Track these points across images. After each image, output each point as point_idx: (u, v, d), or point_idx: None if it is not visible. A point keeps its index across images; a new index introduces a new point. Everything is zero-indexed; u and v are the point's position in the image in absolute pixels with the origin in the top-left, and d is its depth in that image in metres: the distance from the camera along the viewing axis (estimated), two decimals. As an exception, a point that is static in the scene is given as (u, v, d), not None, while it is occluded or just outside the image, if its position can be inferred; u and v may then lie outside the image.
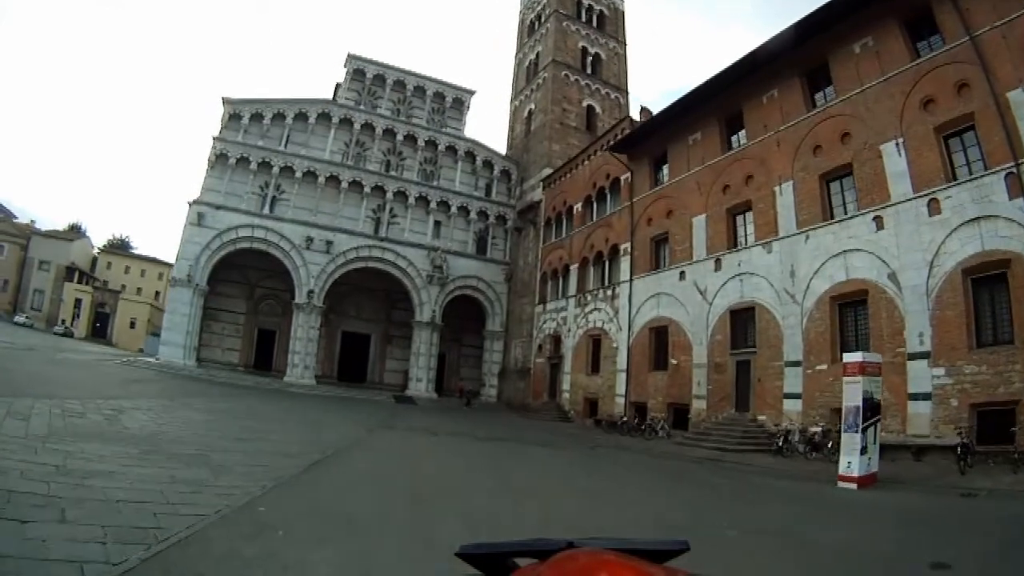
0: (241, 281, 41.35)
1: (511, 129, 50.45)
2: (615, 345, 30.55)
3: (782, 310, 22.02)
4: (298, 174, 39.29)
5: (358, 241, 39.66)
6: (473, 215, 43.75)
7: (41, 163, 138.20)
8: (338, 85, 44.86)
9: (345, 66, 44.15)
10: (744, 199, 24.68)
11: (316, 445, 12.22)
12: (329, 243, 38.58)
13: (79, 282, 67.18)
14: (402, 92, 45.08)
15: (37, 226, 68.72)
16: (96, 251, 77.02)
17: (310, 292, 37.80)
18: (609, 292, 32.03)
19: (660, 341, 27.84)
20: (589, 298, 33.85)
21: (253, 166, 38.57)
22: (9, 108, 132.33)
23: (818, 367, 20.38)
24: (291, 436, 13.74)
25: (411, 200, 41.91)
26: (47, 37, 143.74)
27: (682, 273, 26.86)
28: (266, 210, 38.51)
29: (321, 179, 39.74)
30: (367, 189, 40.79)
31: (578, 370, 33.66)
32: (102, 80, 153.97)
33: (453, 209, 43.03)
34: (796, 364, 21.14)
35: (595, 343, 32.71)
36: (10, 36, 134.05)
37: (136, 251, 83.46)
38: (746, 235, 24.71)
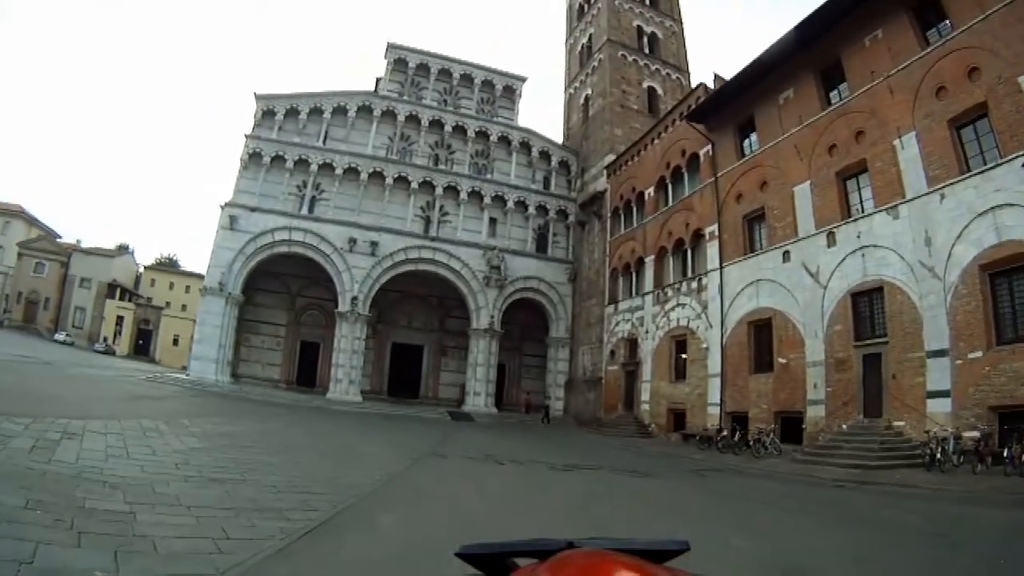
0: (281, 291, 39.12)
1: (567, 119, 47.32)
2: (704, 346, 26.50)
3: (919, 288, 17.85)
4: (338, 171, 36.79)
5: (406, 241, 36.72)
6: (531, 210, 40.37)
7: (89, 186, 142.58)
8: (378, 80, 42.30)
9: (385, 57, 41.69)
10: (856, 159, 20.66)
11: (327, 491, 8.44)
12: (374, 244, 35.72)
13: (121, 299, 66.99)
14: (448, 82, 42.37)
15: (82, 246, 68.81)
16: (141, 268, 77.04)
17: (354, 299, 34.97)
18: (694, 284, 28.02)
19: (762, 337, 23.73)
20: (670, 293, 29.88)
21: (289, 164, 36.31)
22: (58, 130, 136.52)
23: (970, 356, 16.27)
24: (297, 473, 10.14)
25: (463, 195, 38.85)
26: (85, 52, 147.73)
27: (785, 253, 22.75)
28: (304, 211, 36.09)
29: (364, 176, 37.12)
30: (414, 185, 37.97)
31: (660, 377, 29.66)
32: (143, 94, 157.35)
33: (509, 204, 39.75)
34: (941, 354, 16.96)
35: (679, 345, 28.71)
36: (57, 59, 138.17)
37: (183, 268, 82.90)
38: (862, 201, 20.67)
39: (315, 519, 6.72)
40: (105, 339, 61.97)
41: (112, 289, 66.29)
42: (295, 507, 7.24)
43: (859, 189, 20.91)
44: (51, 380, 22.42)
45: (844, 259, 20.37)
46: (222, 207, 34.82)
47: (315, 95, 38.45)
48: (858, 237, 20.04)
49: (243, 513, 6.56)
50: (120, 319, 65.00)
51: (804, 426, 20.64)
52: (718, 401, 24.91)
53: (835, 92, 22.50)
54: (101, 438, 10.13)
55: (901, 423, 17.78)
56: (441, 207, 38.63)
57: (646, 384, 30.51)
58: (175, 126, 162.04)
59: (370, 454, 14.57)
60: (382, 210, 36.93)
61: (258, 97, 37.62)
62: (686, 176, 30.11)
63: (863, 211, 20.35)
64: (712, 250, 26.87)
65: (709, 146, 28.12)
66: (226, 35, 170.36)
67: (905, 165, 18.92)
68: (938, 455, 15.38)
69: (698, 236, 28.36)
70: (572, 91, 46.60)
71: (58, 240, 68.04)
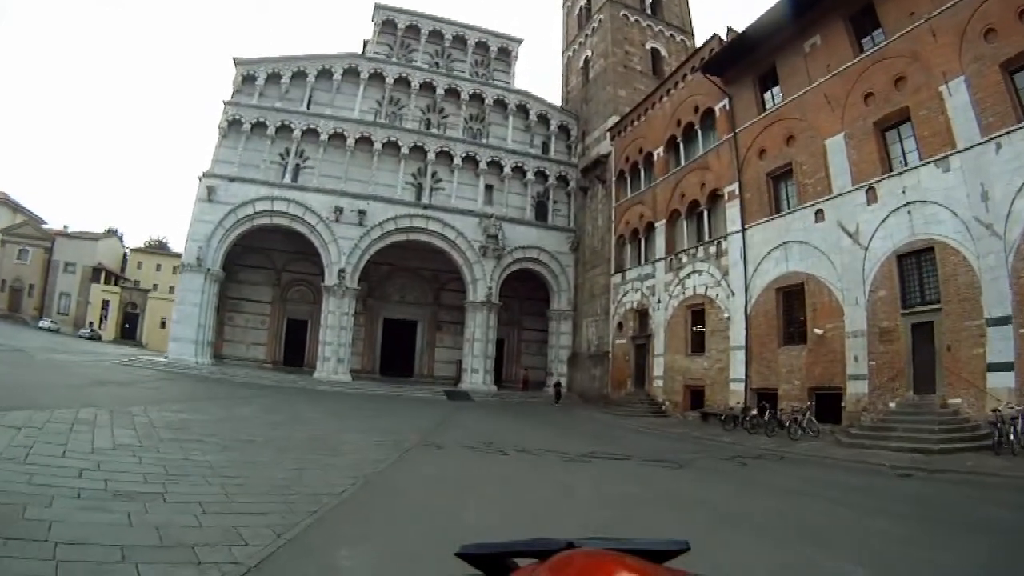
0: (266, 266, 37.13)
1: (565, 83, 44.96)
2: (726, 315, 24.38)
3: (975, 247, 15.84)
4: (323, 136, 34.44)
5: (396, 210, 34.44)
6: (530, 176, 38.09)
7: (76, 171, 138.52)
8: (366, 43, 39.83)
9: (372, 19, 39.25)
10: (896, 107, 18.46)
11: (275, 508, 6.35)
12: (362, 213, 33.44)
13: (107, 283, 64.66)
14: (439, 44, 40.00)
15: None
16: (127, 251, 74.50)
17: (341, 272, 32.74)
18: (712, 249, 25.83)
19: (792, 305, 21.67)
20: (684, 259, 27.71)
21: (271, 131, 33.96)
22: (42, 117, 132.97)
23: (1037, 323, 14.25)
24: (245, 478, 7.75)
25: (457, 161, 36.52)
26: (65, 40, 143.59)
27: (818, 212, 20.61)
28: (287, 179, 33.75)
29: (350, 141, 34.75)
30: (404, 150, 35.62)
31: (674, 351, 27.59)
32: (126, 77, 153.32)
33: (507, 169, 37.47)
34: (1003, 321, 15.04)
35: (696, 315, 26.59)
36: (38, 44, 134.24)
37: (172, 251, 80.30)
38: (904, 153, 18.50)
39: (238, 565, 4.50)
40: (91, 324, 59.92)
41: (97, 273, 63.92)
42: (216, 541, 4.99)
43: (900, 140, 18.77)
44: (11, 367, 20.38)
45: (887, 217, 18.27)
46: (200, 178, 32.52)
47: (298, 58, 35.96)
48: (903, 192, 17.94)
49: (130, 557, 4.35)
50: (106, 303, 62.84)
51: (843, 404, 18.69)
52: (742, 376, 22.85)
53: (868, 39, 20.28)
54: (10, 433, 8.06)
55: (957, 400, 15.88)
56: (434, 173, 36.32)
57: (659, 358, 28.47)
58: (162, 104, 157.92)
59: (349, 446, 12.26)
60: (370, 177, 34.58)
61: (237, 62, 35.14)
62: (700, 134, 27.86)
63: (906, 164, 18.23)
64: (732, 211, 24.71)
65: (726, 100, 25.87)
66: (207, 5, 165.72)
67: (954, 113, 16.84)
68: (1011, 436, 13.55)
69: (715, 197, 26.20)
70: (571, 54, 44.28)
71: (44, 226, 65.86)
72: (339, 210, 32.99)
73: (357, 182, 34.27)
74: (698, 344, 26.24)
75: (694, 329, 26.66)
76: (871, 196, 18.88)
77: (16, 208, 64.37)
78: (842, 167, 19.98)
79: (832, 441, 17.01)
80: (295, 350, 36.87)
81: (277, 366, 35.96)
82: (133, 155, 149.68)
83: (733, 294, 24.04)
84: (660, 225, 29.64)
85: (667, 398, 27.47)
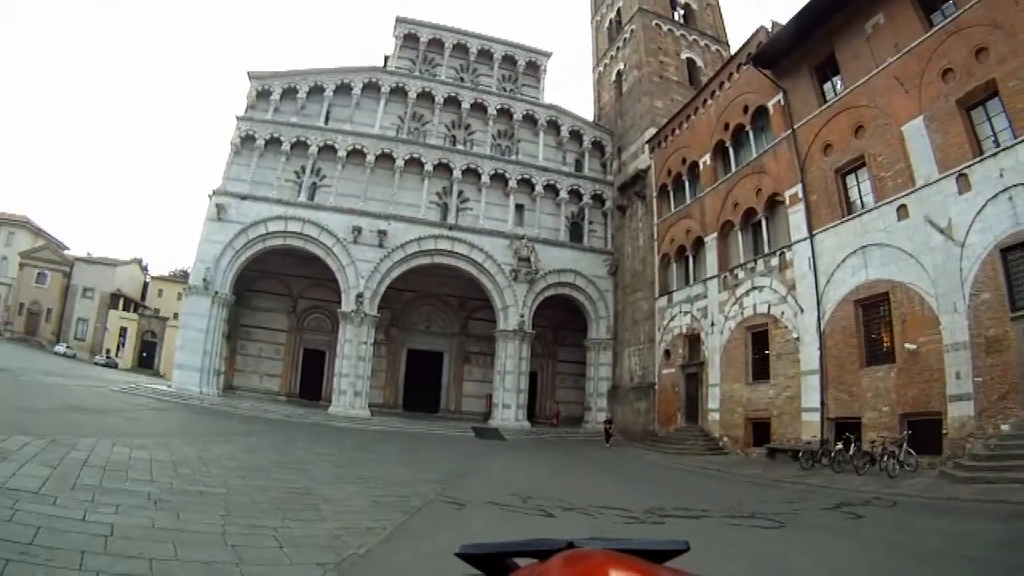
0: (281, 292, 35.54)
1: (597, 100, 43.22)
2: (794, 336, 21.53)
3: (1102, 236, 13.17)
4: (341, 153, 32.87)
5: (420, 231, 32.44)
6: (563, 194, 35.93)
7: (103, 199, 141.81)
8: (387, 59, 38.49)
9: (394, 33, 38.03)
10: (982, 81, 16.00)
11: None
12: (382, 234, 31.48)
13: (125, 309, 64.08)
14: (464, 58, 38.63)
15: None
16: (147, 278, 73.94)
17: (359, 297, 30.63)
18: (774, 261, 23.14)
19: (875, 319, 18.86)
20: (741, 275, 25.01)
21: (286, 147, 32.56)
22: (74, 139, 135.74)
23: None
24: (121, 566, 4.94)
25: (485, 179, 34.58)
26: (84, 55, 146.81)
27: (901, 209, 17.92)
28: (302, 198, 32.04)
29: (370, 157, 33.11)
30: (429, 167, 33.85)
31: (732, 379, 24.70)
32: (156, 97, 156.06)
33: (538, 188, 35.38)
34: None
35: (758, 337, 23.77)
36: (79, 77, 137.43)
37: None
38: (995, 132, 15.89)
39: None
40: (108, 351, 58.92)
41: (115, 299, 63.40)
42: None
43: (989, 118, 16.19)
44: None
45: (984, 206, 15.58)
46: (210, 196, 31.04)
47: (315, 72, 34.71)
48: (1000, 176, 15.28)
49: None
50: (124, 331, 62.08)
51: (944, 431, 15.76)
52: (817, 405, 19.86)
53: (937, 13, 17.99)
54: None
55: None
56: (460, 193, 34.41)
57: (714, 388, 25.60)
58: (193, 132, 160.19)
59: (335, 504, 9.13)
60: (392, 196, 32.72)
61: (252, 76, 34.03)
62: (751, 136, 25.48)
63: (999, 144, 15.65)
64: (796, 216, 22.10)
65: (780, 95, 23.53)
66: (223, 23, 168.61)
67: (1054, 82, 14.44)
68: None
69: (774, 203, 23.68)
70: (602, 69, 42.67)
71: (65, 252, 65.94)
72: (357, 230, 31.10)
73: (377, 201, 32.49)
74: (761, 370, 23.31)
75: (757, 353, 23.76)
76: (963, 184, 16.23)
77: (38, 232, 64.53)
78: (925, 154, 17.39)
79: (938, 476, 14.15)
80: (312, 382, 34.85)
81: (292, 399, 34.00)
82: (164, 185, 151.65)
83: (802, 311, 21.25)
84: (711, 239, 27.08)
85: (724, 433, 24.56)
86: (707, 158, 28.01)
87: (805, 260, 21.33)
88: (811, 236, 21.18)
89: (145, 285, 72.61)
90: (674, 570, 0.99)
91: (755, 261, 24.34)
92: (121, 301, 64.12)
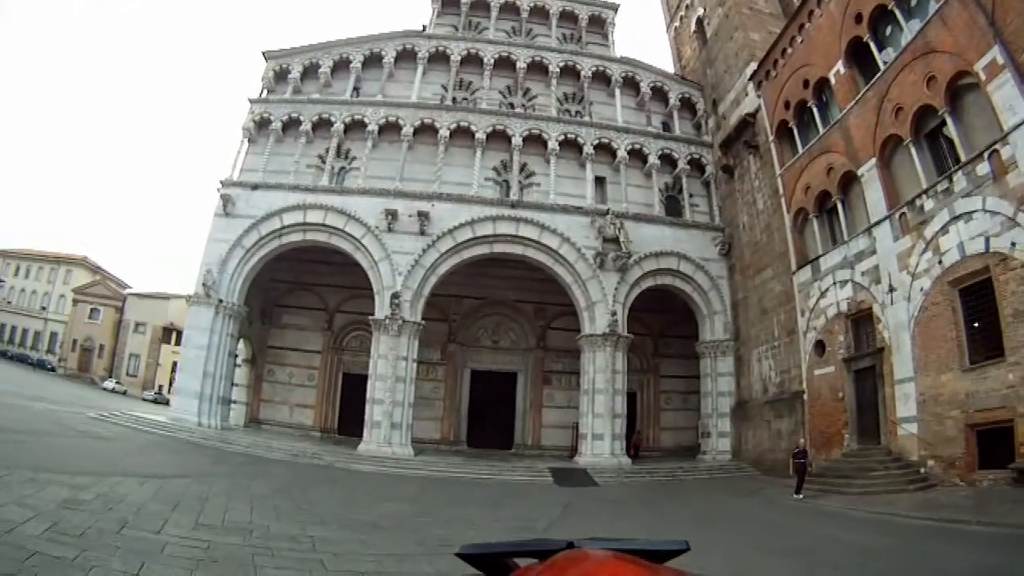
0: (315, 307, 31.22)
1: (677, 58, 38.57)
2: (1040, 285, 14.36)
3: None
4: (371, 127, 28.13)
5: (473, 211, 26.68)
6: (652, 160, 29.73)
7: (158, 234, 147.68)
8: (424, 27, 33.46)
9: (432, -2, 33.12)
10: None
11: None
12: (423, 217, 25.91)
13: (177, 344, 61.85)
14: (515, 18, 34.03)
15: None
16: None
17: (395, 297, 24.94)
18: (982, 168, 15.67)
19: None
20: (929, 206, 17.70)
21: (306, 126, 28.33)
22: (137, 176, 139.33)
23: None
24: None
25: (552, 144, 28.79)
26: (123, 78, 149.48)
27: None
28: (324, 182, 27.10)
29: (407, 129, 28.12)
30: (480, 135, 28.54)
31: (936, 367, 17.01)
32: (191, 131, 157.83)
33: (621, 152, 29.34)
34: None
35: (973, 295, 16.27)
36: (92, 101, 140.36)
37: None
38: None
39: None
40: (160, 387, 57.66)
41: (168, 333, 62.88)
42: None
43: None
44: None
45: None
46: (218, 188, 26.76)
47: (340, 43, 30.78)
48: None
49: None
50: (176, 365, 60.03)
51: None
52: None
53: None
54: None
55: None
56: (524, 167, 28.76)
57: (905, 385, 17.97)
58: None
59: None
60: (435, 174, 27.42)
61: (268, 55, 30.45)
62: (898, 15, 18.79)
63: None
64: (1003, 92, 14.83)
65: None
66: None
67: None
68: None
69: (957, 90, 16.69)
70: (678, 24, 38.18)
71: (125, 290, 68.60)
72: (392, 215, 25.66)
73: (417, 181, 27.17)
74: (986, 345, 15.68)
75: (970, 322, 16.34)
76: None
77: (95, 270, 67.32)
78: None
79: None
80: (352, 414, 28.29)
81: (328, 435, 29.00)
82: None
83: (1050, 244, 14.06)
84: (868, 170, 20.00)
85: (927, 452, 16.92)
86: (839, 66, 21.39)
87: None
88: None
89: (199, 320, 71.77)
90: (674, 570, 0.98)
91: (949, 178, 16.99)
92: (173, 335, 63.48)
